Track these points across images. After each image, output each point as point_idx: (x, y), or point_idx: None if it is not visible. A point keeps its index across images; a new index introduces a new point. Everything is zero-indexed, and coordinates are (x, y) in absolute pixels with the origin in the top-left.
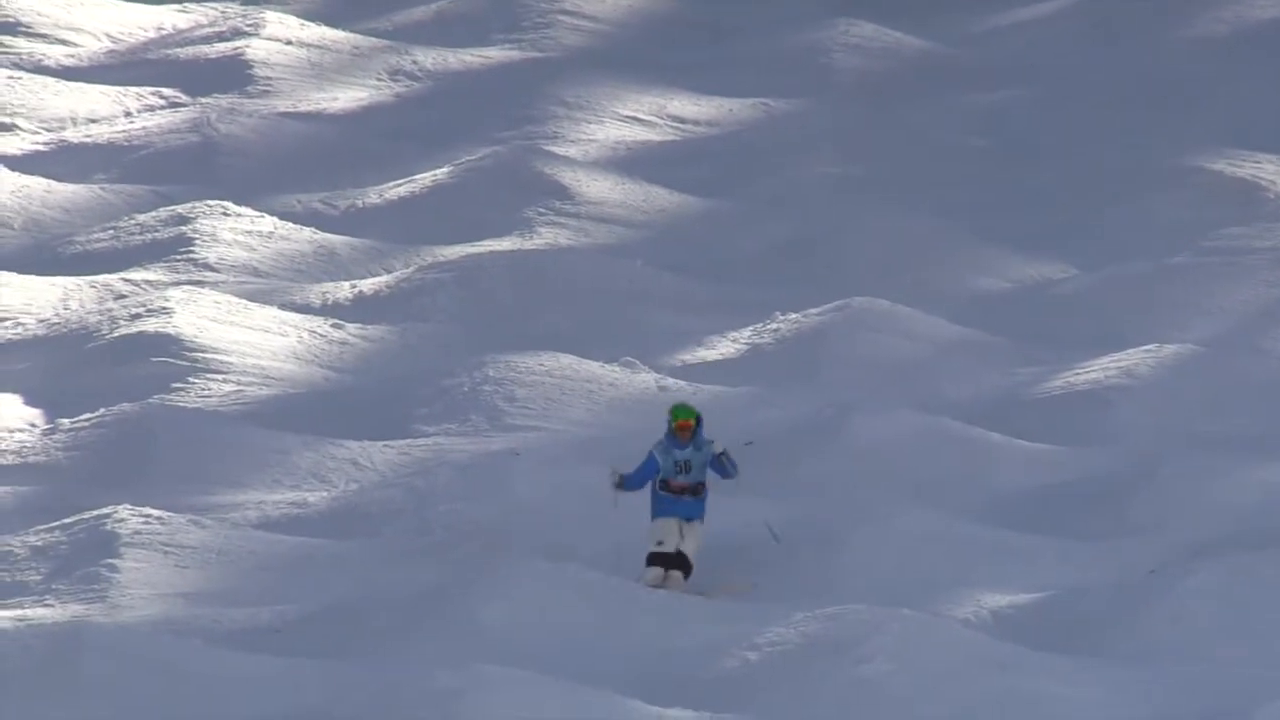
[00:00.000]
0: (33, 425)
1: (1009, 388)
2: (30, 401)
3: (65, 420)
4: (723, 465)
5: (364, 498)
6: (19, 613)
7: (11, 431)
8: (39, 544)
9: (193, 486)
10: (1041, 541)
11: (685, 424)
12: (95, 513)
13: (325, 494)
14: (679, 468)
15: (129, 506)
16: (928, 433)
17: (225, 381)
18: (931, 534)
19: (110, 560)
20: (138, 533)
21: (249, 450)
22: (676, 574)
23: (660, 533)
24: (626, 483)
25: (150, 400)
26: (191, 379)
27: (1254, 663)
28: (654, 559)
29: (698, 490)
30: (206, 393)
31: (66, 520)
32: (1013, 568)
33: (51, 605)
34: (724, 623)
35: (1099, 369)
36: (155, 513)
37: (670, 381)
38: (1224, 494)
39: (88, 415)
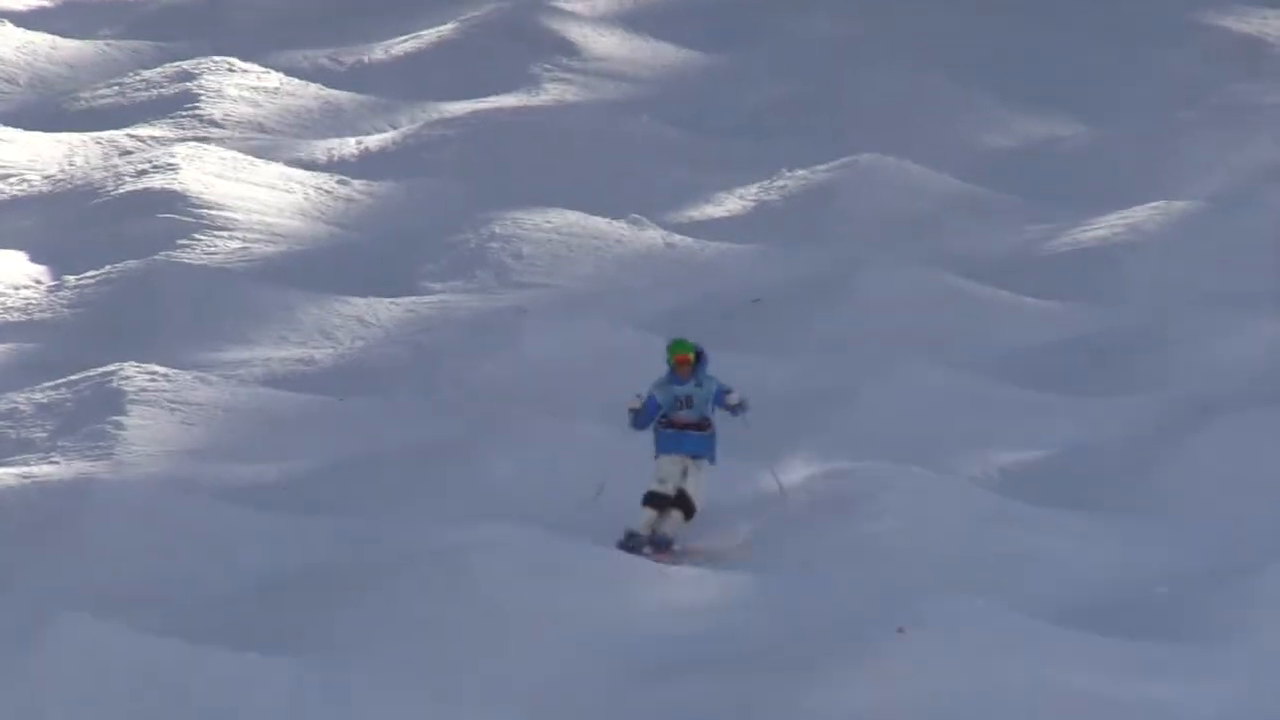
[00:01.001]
0: (38, 282)
1: (1017, 245)
2: (35, 258)
3: (70, 277)
4: (732, 408)
5: (370, 355)
6: (24, 470)
7: (16, 288)
8: (44, 401)
9: (199, 343)
10: (1050, 399)
11: (684, 358)
12: (101, 370)
13: (331, 351)
14: (679, 403)
15: (135, 364)
16: (936, 290)
17: (231, 238)
18: (940, 391)
19: (116, 417)
20: (144, 390)
21: (255, 307)
22: (676, 513)
23: (662, 471)
24: (634, 423)
25: (156, 257)
26: (197, 235)
27: (1265, 518)
28: (651, 499)
29: (703, 425)
30: (212, 249)
31: (72, 377)
32: (1021, 425)
33: (57, 463)
34: (732, 487)
35: (1107, 226)
36: (161, 370)
37: (677, 238)
38: (1233, 350)
39: (93, 272)
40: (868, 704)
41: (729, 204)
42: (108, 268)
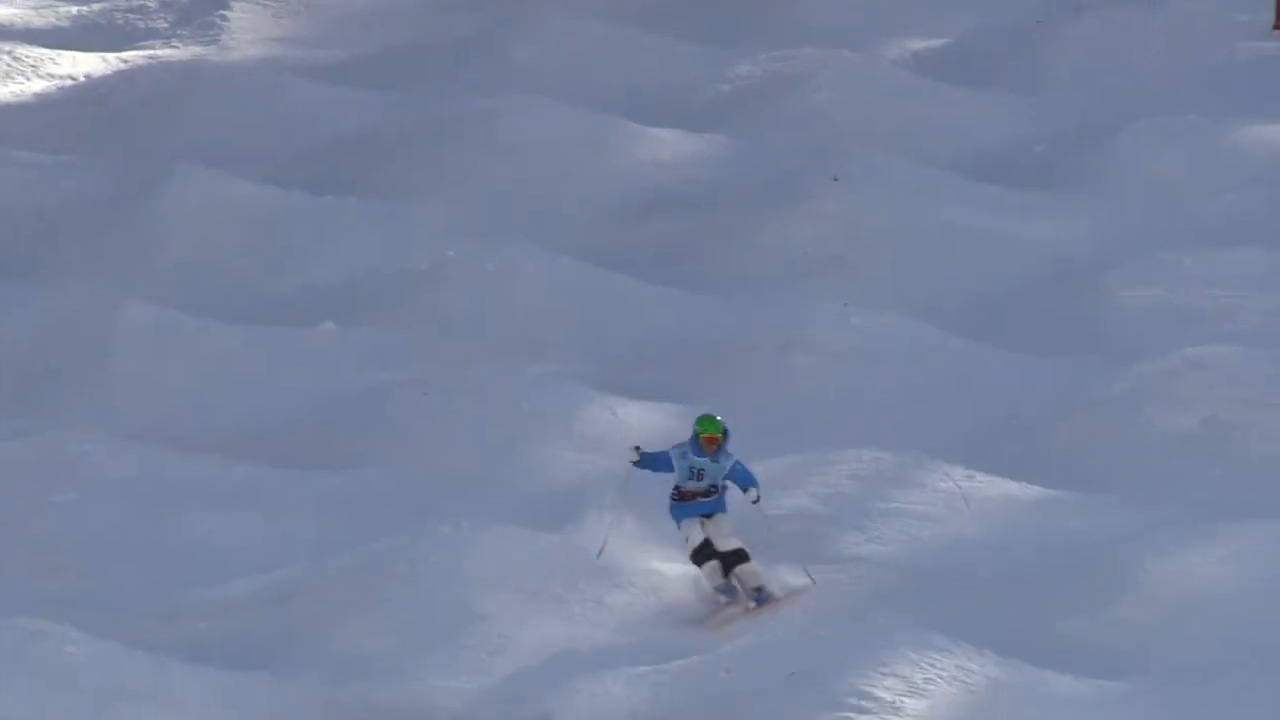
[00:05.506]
0: None
1: None
2: None
3: None
4: (743, 477)
5: None
6: (150, 53)
7: None
8: None
9: None
10: None
11: (712, 438)
12: None
13: None
14: (693, 474)
15: None
16: None
17: None
18: None
19: (222, 11)
20: None
21: None
22: (747, 566)
23: (686, 532)
24: (641, 460)
25: None
26: None
27: (1122, 92)
28: (699, 555)
29: (710, 492)
30: None
31: None
32: (929, 16)
33: (176, 48)
34: (704, 64)
35: None
36: None
37: None
38: None
39: None
40: (808, 236)
41: None
42: None
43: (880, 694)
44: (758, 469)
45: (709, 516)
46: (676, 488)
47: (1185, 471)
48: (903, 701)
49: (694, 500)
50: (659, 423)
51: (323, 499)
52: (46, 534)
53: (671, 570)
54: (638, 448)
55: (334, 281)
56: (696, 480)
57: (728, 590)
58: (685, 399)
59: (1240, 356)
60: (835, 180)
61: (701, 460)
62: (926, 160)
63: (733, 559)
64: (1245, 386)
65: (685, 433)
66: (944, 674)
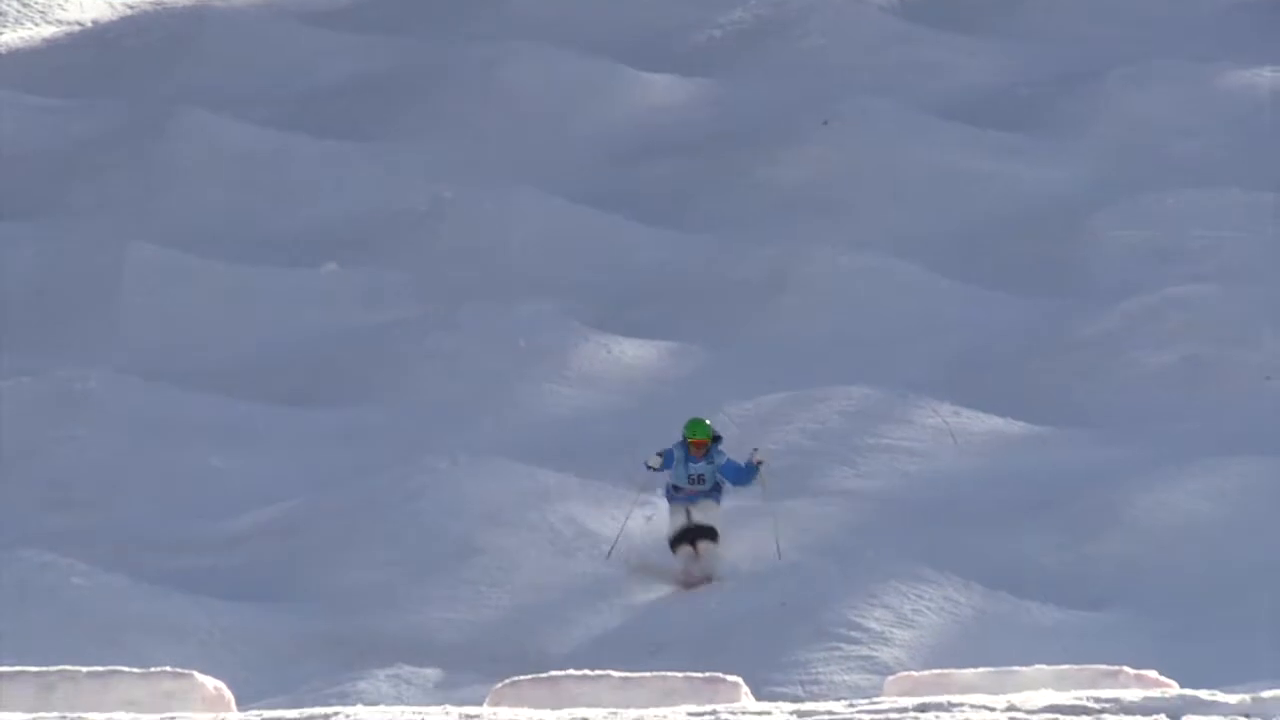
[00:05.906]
0: None
1: None
2: None
3: None
4: (742, 471)
5: None
6: None
7: None
8: None
9: None
10: None
11: (700, 443)
12: None
13: None
14: (692, 480)
15: None
16: None
17: None
18: None
19: None
20: None
21: None
22: (704, 543)
23: (672, 515)
24: (661, 464)
25: None
26: None
27: (1107, 38)
28: (676, 540)
29: (710, 491)
30: None
31: None
32: None
33: None
34: (696, 9)
35: None
36: None
37: None
38: None
39: None
40: (800, 178)
41: None
42: None
43: (870, 624)
44: (748, 406)
45: (698, 501)
46: (674, 486)
47: (1167, 407)
48: (891, 632)
49: (690, 493)
50: (653, 360)
51: (324, 435)
52: (54, 469)
53: (664, 505)
54: (660, 454)
55: (335, 222)
56: (698, 484)
57: (688, 565)
58: (678, 336)
59: (1221, 295)
60: (826, 123)
61: (699, 466)
62: (915, 103)
63: (701, 532)
64: (1225, 324)
65: (676, 370)
66: (931, 605)
